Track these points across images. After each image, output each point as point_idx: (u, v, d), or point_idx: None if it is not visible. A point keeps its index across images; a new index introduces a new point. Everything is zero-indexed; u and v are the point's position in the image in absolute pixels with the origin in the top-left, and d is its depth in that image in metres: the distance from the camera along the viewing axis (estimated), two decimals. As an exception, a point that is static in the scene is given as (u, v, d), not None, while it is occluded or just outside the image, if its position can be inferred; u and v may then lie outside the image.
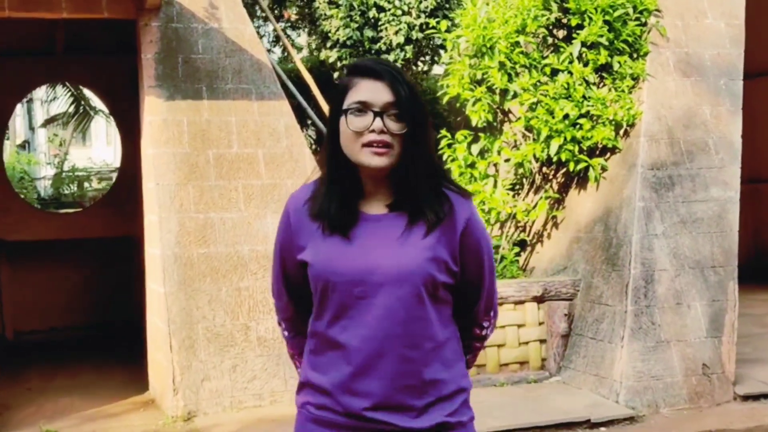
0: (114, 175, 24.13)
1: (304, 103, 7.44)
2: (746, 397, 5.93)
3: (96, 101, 15.03)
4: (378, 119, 1.94)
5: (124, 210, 9.19)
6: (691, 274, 6.22)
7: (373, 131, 1.94)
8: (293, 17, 9.57)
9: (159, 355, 6.15)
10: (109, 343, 8.63)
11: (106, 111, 12.92)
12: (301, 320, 2.18)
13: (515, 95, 6.74)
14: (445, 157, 7.02)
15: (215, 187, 6.30)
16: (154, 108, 6.30)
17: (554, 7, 6.72)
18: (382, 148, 1.95)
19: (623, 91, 6.61)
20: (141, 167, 6.77)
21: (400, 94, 1.95)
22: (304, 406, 2.08)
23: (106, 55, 9.17)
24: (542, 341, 6.54)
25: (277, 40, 9.90)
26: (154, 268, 6.23)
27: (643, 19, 6.75)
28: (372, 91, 1.96)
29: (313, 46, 9.15)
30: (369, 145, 1.94)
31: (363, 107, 1.95)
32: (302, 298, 2.14)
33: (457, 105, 7.26)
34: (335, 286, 1.99)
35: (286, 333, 2.28)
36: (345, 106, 1.98)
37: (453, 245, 2.03)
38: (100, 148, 30.81)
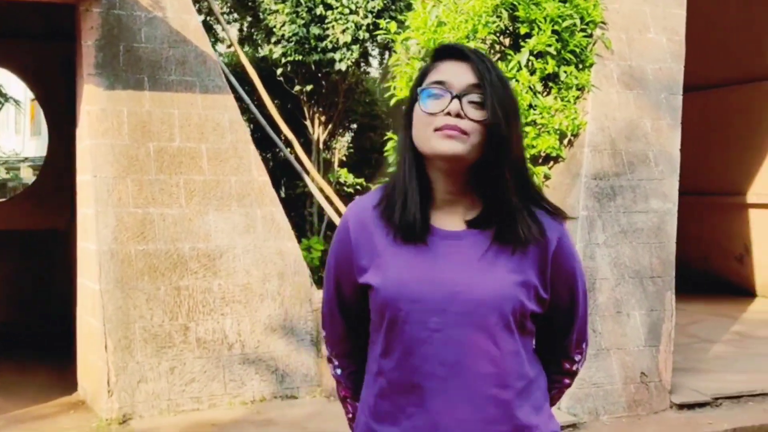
0: (22, 165, 23.26)
1: (247, 99, 7.26)
2: (682, 406, 6.05)
3: (7, 89, 14.48)
4: (456, 101, 1.67)
5: (48, 202, 8.82)
6: (631, 283, 6.32)
7: (448, 114, 1.67)
8: (220, 8, 9.35)
9: (92, 355, 5.90)
10: (31, 341, 8.26)
11: (16, 99, 12.42)
12: (359, 353, 1.89)
13: (463, 100, 6.72)
14: (390, 159, 6.96)
15: (155, 182, 6.09)
16: (92, 97, 6.04)
17: (504, 14, 6.73)
18: (454, 131, 1.67)
19: (569, 101, 6.67)
20: (72, 158, 6.51)
21: (485, 77, 1.69)
22: None
23: (35, 39, 8.78)
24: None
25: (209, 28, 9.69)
26: (88, 263, 5.98)
27: (589, 31, 6.83)
28: (452, 71, 1.71)
29: (259, 40, 8.97)
30: (441, 129, 1.67)
31: (440, 88, 1.70)
32: (360, 327, 1.86)
33: (404, 108, 7.21)
34: (407, 316, 1.70)
35: (338, 371, 1.96)
36: (422, 87, 1.74)
37: (543, 269, 1.76)
38: (9, 137, 29.80)
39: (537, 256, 1.75)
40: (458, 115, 1.67)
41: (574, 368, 1.97)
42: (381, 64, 10.62)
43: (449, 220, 1.75)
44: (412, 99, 1.76)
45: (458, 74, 1.70)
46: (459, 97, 1.68)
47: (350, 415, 1.96)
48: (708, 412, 6.04)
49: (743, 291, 11.80)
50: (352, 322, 1.87)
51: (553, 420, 1.87)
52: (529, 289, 1.74)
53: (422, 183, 1.74)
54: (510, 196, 1.71)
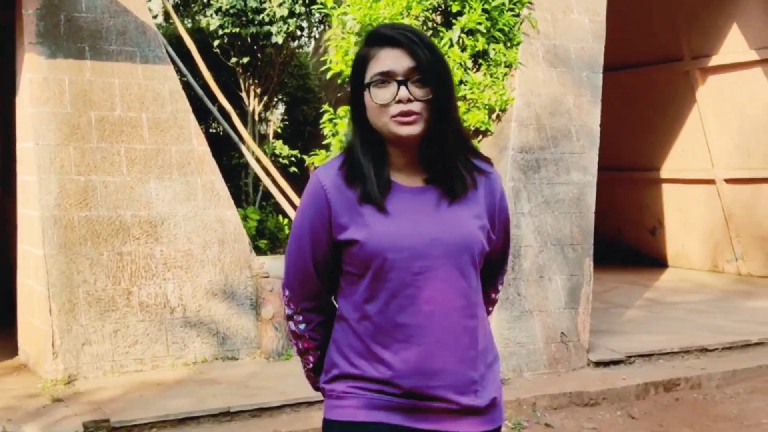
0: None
1: (184, 69, 7.39)
2: (598, 363, 6.52)
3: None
4: (402, 88, 1.89)
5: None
6: (553, 250, 6.74)
7: (399, 101, 1.89)
8: None
9: (35, 318, 6.01)
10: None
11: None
12: (326, 305, 2.09)
13: (397, 75, 6.98)
14: (326, 132, 7.20)
15: (97, 150, 6.21)
16: (34, 66, 6.11)
17: (437, -8, 7.01)
18: (410, 116, 1.90)
19: (497, 77, 7.01)
20: (6, 126, 6.56)
21: (421, 58, 1.89)
22: (351, 389, 1.98)
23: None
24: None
25: None
26: (31, 230, 6.08)
27: (517, 10, 7.18)
28: (392, 60, 1.91)
29: (195, 10, 9.04)
30: (397, 116, 1.90)
31: (385, 77, 1.91)
32: (328, 282, 2.06)
33: (339, 81, 7.45)
34: (394, 263, 1.92)
35: (302, 326, 2.09)
36: (367, 80, 1.93)
37: (492, 214, 2.06)
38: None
39: (487, 203, 2.05)
40: (408, 100, 1.89)
41: (497, 297, 2.29)
42: (315, 38, 10.79)
43: (409, 179, 1.99)
44: (358, 87, 1.95)
45: (397, 61, 1.90)
46: (404, 83, 1.89)
47: (311, 365, 2.14)
48: (622, 368, 6.52)
49: (656, 262, 12.47)
50: (323, 278, 2.04)
51: (494, 343, 2.16)
52: (485, 232, 2.03)
53: (379, 149, 1.97)
54: (454, 155, 1.97)
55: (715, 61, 10.85)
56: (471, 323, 1.99)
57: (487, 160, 2.09)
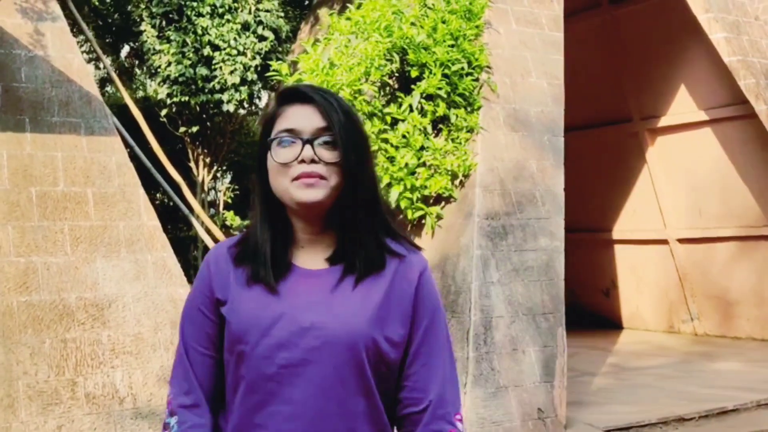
0: None
1: (131, 140, 7.01)
2: (577, 440, 6.21)
3: None
4: (307, 147, 1.65)
5: None
6: (525, 320, 6.46)
7: (302, 161, 1.65)
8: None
9: (-31, 416, 5.45)
10: None
11: None
12: (207, 412, 1.74)
13: (356, 142, 6.74)
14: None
15: (38, 228, 5.76)
16: (-32, 139, 5.67)
17: (396, 58, 6.82)
18: (313, 179, 1.64)
19: (459, 142, 6.81)
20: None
21: (332, 118, 1.67)
22: None
23: None
24: (381, 389, 6.50)
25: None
26: (-36, 317, 5.55)
27: (476, 75, 7.02)
28: (300, 117, 1.68)
29: (144, 80, 8.71)
30: (299, 178, 1.65)
31: (291, 135, 1.67)
32: (213, 381, 1.74)
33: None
34: (254, 350, 1.64)
35: (175, 428, 1.73)
36: (271, 137, 1.70)
37: (404, 309, 1.69)
38: None
39: (399, 293, 1.70)
40: (312, 161, 1.65)
41: None
42: (267, 105, 10.53)
43: (311, 259, 1.72)
44: (263, 148, 1.73)
45: (306, 118, 1.68)
46: (310, 142, 1.66)
47: None
48: (602, 444, 6.22)
49: (611, 324, 12.35)
50: (206, 369, 1.75)
51: None
52: (385, 326, 1.67)
53: (283, 225, 1.72)
54: (363, 231, 1.69)
55: (664, 121, 10.92)
56: None
57: (411, 243, 1.77)
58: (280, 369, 1.62)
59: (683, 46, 10.28)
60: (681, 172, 10.94)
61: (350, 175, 1.66)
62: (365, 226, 1.70)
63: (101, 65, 8.77)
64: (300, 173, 1.64)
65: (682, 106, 10.66)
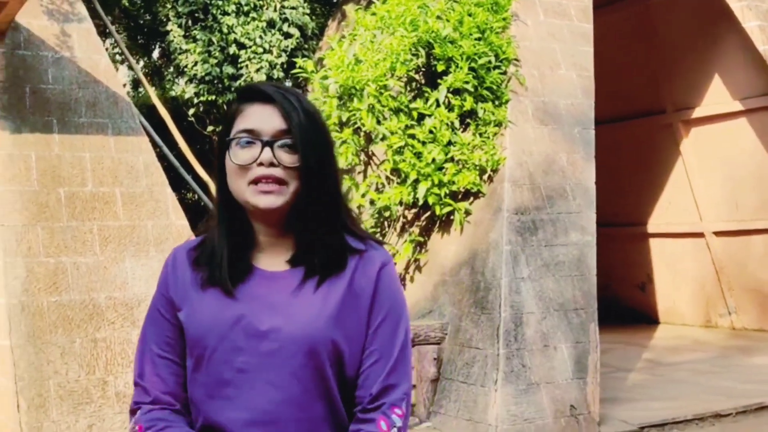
0: None
1: (159, 140, 7.04)
2: (611, 437, 6.11)
3: None
4: (267, 149, 1.60)
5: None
6: (556, 316, 6.37)
7: (261, 164, 1.60)
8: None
9: (1, 416, 5.50)
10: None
11: None
12: (178, 406, 1.70)
13: (383, 138, 6.70)
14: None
15: (68, 229, 5.79)
16: (-3, 141, 5.72)
17: (422, 52, 6.76)
18: (271, 184, 1.60)
19: (487, 137, 6.73)
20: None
21: (293, 120, 1.60)
22: None
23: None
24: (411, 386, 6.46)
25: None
26: (-4, 318, 5.60)
27: (503, 68, 6.93)
28: (260, 117, 1.62)
29: (169, 78, 8.74)
30: (257, 181, 1.60)
31: (250, 136, 1.62)
32: (174, 386, 1.70)
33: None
34: (212, 354, 1.61)
35: (138, 427, 1.68)
36: (230, 136, 1.65)
37: (361, 308, 1.65)
38: None
39: (358, 290, 1.66)
40: (272, 164, 1.60)
41: (394, 430, 1.66)
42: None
43: (272, 261, 1.68)
44: (222, 147, 1.67)
45: (266, 119, 1.62)
46: (270, 144, 1.61)
47: None
48: (636, 441, 6.12)
49: (647, 318, 12.17)
50: (165, 370, 1.70)
51: None
52: (345, 326, 1.63)
53: (242, 226, 1.68)
54: (323, 232, 1.66)
55: (698, 112, 10.73)
56: None
57: (374, 240, 1.73)
58: (238, 373, 1.59)
59: (716, 36, 10.09)
60: (716, 163, 10.74)
61: (310, 178, 1.62)
62: (326, 228, 1.66)
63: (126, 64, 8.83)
64: (258, 176, 1.60)
65: (717, 96, 10.46)
